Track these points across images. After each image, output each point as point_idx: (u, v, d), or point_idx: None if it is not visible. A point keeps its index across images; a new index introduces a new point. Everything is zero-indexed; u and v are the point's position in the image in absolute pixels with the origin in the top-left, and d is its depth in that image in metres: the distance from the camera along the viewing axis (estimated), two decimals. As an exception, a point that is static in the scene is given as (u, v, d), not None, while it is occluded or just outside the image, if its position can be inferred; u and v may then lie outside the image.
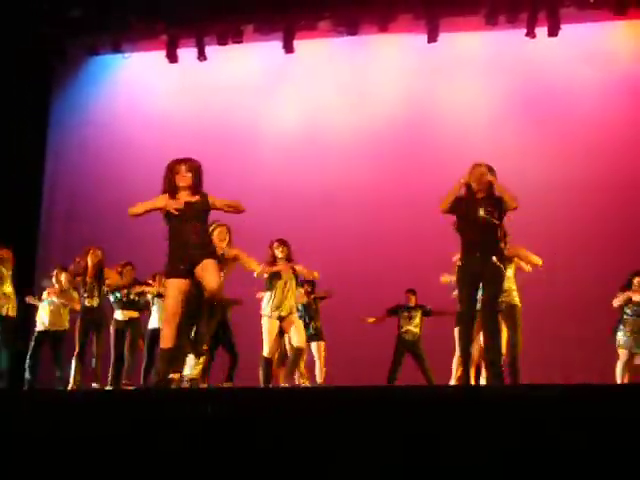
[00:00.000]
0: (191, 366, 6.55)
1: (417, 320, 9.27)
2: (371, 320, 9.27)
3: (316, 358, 8.97)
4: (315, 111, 11.50)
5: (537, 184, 10.34)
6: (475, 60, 11.09)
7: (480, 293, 6.00)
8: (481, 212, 6.06)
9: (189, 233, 5.43)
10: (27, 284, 8.61)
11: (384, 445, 3.67)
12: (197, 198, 5.56)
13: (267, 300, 7.45)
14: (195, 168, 5.70)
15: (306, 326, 8.64)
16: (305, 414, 4.00)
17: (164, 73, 11.86)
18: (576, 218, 10.10)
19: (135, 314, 8.84)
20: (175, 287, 5.37)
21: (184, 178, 5.58)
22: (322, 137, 11.28)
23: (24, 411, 4.32)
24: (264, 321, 7.45)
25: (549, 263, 8.40)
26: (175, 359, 5.66)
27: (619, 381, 7.82)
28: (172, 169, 5.64)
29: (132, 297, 8.81)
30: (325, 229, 10.65)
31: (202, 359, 6.65)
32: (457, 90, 11.09)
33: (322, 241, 10.39)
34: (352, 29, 11.00)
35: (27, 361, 8.63)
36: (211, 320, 6.32)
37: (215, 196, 5.71)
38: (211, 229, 6.83)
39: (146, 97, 12.00)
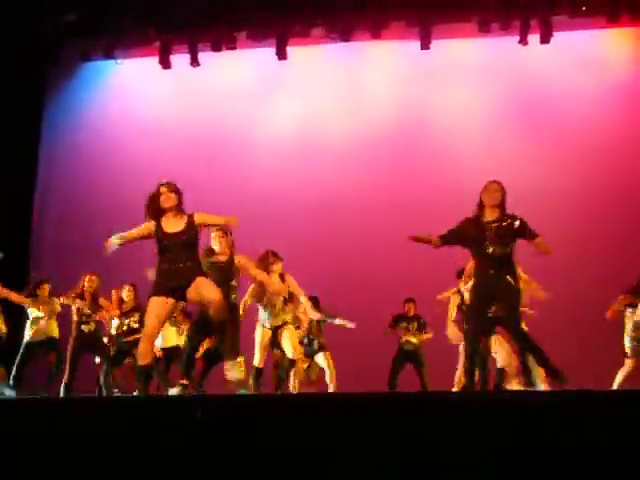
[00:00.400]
0: (235, 370, 6.53)
1: (415, 330, 9.19)
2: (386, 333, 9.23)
3: (326, 367, 8.80)
4: (309, 117, 11.50)
5: (531, 189, 10.35)
6: (468, 67, 11.13)
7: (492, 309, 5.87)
8: (491, 249, 5.75)
9: (179, 260, 5.37)
10: (20, 288, 8.53)
11: (379, 450, 3.66)
12: (184, 226, 5.50)
13: (262, 310, 7.44)
14: (177, 189, 5.71)
15: (310, 342, 8.73)
16: (294, 421, 3.99)
17: (157, 79, 11.85)
18: (571, 223, 10.12)
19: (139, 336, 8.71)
20: (158, 305, 5.31)
21: (169, 199, 5.56)
22: (316, 143, 11.29)
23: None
24: (258, 330, 7.44)
25: (545, 267, 8.44)
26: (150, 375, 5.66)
27: (615, 387, 7.75)
28: (154, 194, 5.64)
29: (132, 326, 8.69)
30: (320, 234, 10.64)
31: (242, 359, 6.67)
32: (450, 96, 11.12)
33: (317, 246, 10.39)
34: (345, 36, 11.02)
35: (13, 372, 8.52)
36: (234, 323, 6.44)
37: (203, 213, 5.72)
38: (215, 236, 6.81)
39: (139, 103, 11.99)
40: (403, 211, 10.62)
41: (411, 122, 11.14)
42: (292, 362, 7.77)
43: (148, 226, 5.57)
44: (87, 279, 8.34)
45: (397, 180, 10.87)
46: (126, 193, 11.44)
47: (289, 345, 7.46)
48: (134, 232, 5.70)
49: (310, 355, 8.79)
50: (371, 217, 10.68)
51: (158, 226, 5.51)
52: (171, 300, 5.35)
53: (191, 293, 5.32)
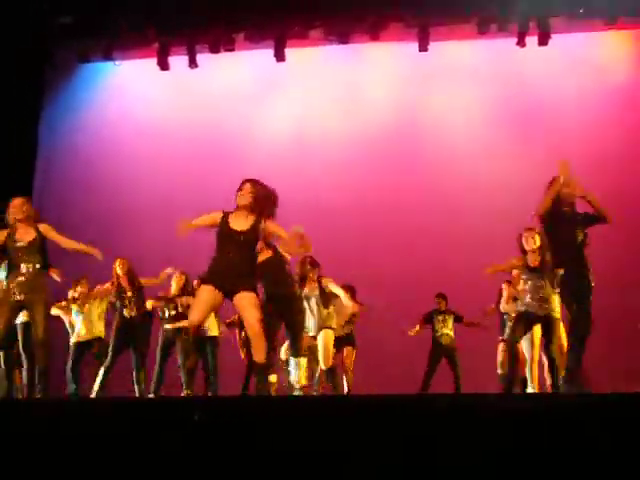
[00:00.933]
0: (297, 373, 6.59)
1: (451, 324, 9.27)
2: (413, 332, 9.19)
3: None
4: (307, 119, 11.51)
5: (528, 191, 10.33)
6: (466, 68, 11.15)
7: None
8: (580, 236, 6.06)
9: (234, 258, 5.42)
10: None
11: (381, 453, 3.66)
12: (249, 225, 5.55)
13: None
14: (258, 191, 5.77)
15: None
16: (296, 423, 3.99)
17: (155, 80, 11.86)
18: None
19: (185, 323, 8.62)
20: (208, 293, 5.31)
21: (243, 197, 5.68)
22: (314, 145, 11.29)
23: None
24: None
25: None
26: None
27: None
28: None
29: (180, 310, 8.64)
30: (318, 236, 10.55)
31: (304, 362, 6.73)
32: (448, 98, 11.14)
33: (315, 247, 10.35)
34: (343, 38, 11.02)
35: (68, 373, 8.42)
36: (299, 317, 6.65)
37: (274, 223, 5.82)
38: None
39: (137, 104, 11.99)
40: (401, 212, 10.65)
41: (409, 124, 11.15)
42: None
43: (214, 216, 5.67)
44: (117, 263, 8.26)
45: (395, 181, 10.87)
46: (124, 195, 11.47)
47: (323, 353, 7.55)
48: (202, 219, 5.80)
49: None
50: (369, 218, 10.68)
51: (224, 219, 5.57)
52: (219, 294, 5.33)
53: (235, 302, 5.31)
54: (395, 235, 10.54)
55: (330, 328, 7.64)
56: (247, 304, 5.25)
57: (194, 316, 5.29)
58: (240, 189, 5.71)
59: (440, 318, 9.28)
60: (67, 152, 11.88)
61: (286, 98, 11.68)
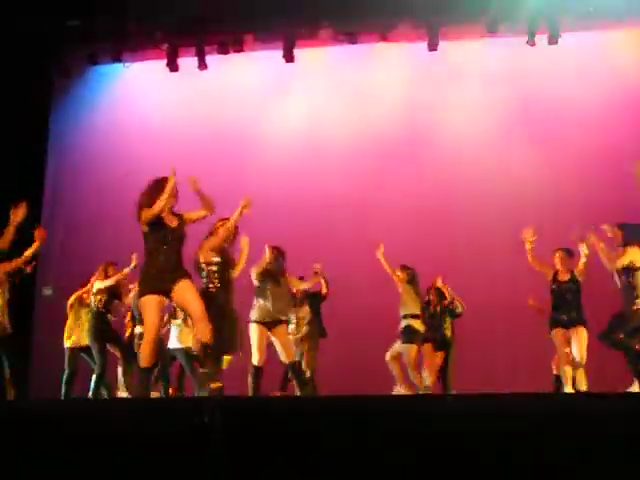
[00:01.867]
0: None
1: (448, 322, 9.17)
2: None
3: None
4: (316, 119, 11.50)
5: (538, 192, 10.35)
6: (476, 68, 11.11)
7: None
8: None
9: (169, 255, 5.64)
10: (28, 295, 8.55)
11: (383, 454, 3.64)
12: (177, 222, 5.85)
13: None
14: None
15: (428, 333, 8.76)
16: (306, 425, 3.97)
17: (164, 82, 11.86)
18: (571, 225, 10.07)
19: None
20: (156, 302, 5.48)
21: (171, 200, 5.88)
22: (324, 145, 11.28)
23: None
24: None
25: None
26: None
27: None
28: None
29: None
30: (327, 235, 10.64)
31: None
32: (458, 98, 11.11)
33: (324, 247, 10.36)
34: (352, 38, 11.00)
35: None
36: None
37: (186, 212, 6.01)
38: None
39: (146, 106, 12.01)
40: (410, 212, 10.63)
41: (418, 124, 11.11)
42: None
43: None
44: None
45: (404, 181, 10.86)
46: (135, 196, 11.46)
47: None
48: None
49: None
50: (379, 219, 10.66)
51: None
52: (162, 298, 5.58)
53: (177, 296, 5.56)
54: (404, 234, 10.51)
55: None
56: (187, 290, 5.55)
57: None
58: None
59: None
60: (77, 154, 11.90)
61: (295, 99, 11.68)
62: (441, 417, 3.90)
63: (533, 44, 10.48)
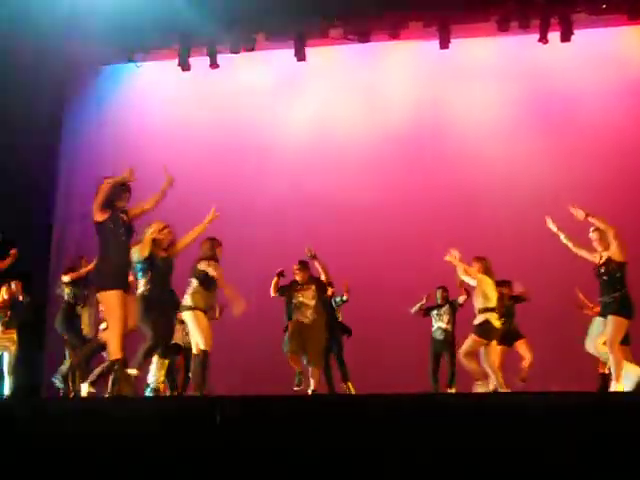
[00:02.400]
0: (157, 373, 6.63)
1: (447, 317, 9.12)
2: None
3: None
4: (328, 118, 11.50)
5: (550, 188, 10.31)
6: (487, 66, 11.08)
7: None
8: None
9: (124, 250, 5.91)
10: (39, 289, 8.61)
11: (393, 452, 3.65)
12: (127, 218, 6.06)
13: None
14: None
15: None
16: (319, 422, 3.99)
17: (176, 81, 11.89)
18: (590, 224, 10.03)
19: None
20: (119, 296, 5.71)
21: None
22: (335, 144, 11.28)
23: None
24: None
25: (563, 268, 8.39)
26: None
27: None
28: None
29: None
30: (338, 236, 10.63)
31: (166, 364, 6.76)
32: (470, 96, 11.08)
33: (334, 248, 10.35)
34: (363, 37, 10.99)
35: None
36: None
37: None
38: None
39: (159, 105, 12.04)
40: (422, 212, 10.62)
41: (430, 122, 11.10)
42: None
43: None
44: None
45: (416, 180, 10.85)
46: (145, 195, 11.50)
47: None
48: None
49: None
50: (390, 217, 10.66)
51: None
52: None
53: None
54: (416, 234, 10.51)
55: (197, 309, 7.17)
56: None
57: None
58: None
59: (435, 312, 9.21)
60: (90, 153, 11.95)
61: (307, 97, 11.69)
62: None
63: (546, 42, 10.43)
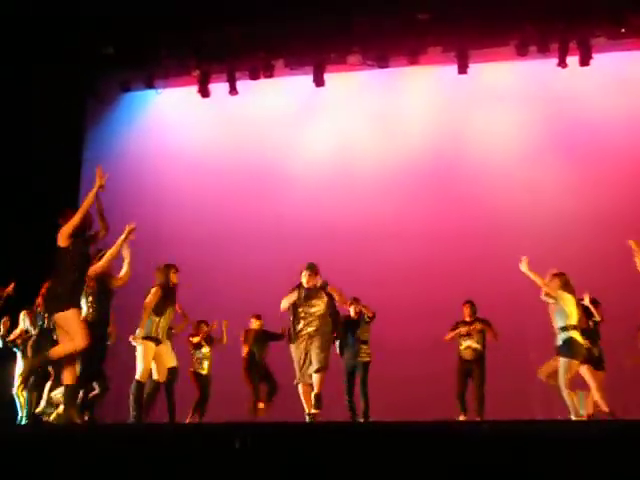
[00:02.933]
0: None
1: (477, 336, 8.73)
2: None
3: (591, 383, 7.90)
4: (347, 144, 11.51)
5: (571, 216, 10.24)
6: (506, 90, 11.07)
7: None
8: None
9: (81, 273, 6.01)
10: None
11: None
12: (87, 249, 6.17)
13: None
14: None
15: (588, 350, 7.69)
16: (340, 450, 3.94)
17: (196, 107, 11.98)
18: (614, 250, 9.93)
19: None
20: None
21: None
22: (354, 170, 11.29)
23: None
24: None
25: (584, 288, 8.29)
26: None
27: None
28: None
29: None
30: (358, 261, 10.60)
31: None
32: (489, 120, 11.06)
33: (354, 273, 10.32)
34: (382, 62, 11.04)
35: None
36: None
37: None
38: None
39: (179, 131, 12.12)
40: (441, 237, 10.57)
41: (449, 147, 11.07)
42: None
43: None
44: None
45: (435, 206, 10.81)
46: (167, 222, 11.58)
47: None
48: None
49: None
50: (409, 243, 10.61)
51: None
52: None
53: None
54: (435, 259, 10.46)
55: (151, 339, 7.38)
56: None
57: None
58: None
59: (463, 330, 8.79)
60: (110, 179, 11.97)
61: (326, 123, 11.71)
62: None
63: (565, 66, 10.41)
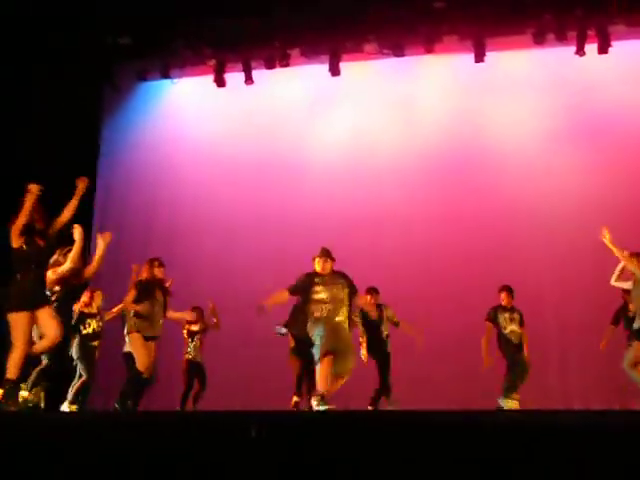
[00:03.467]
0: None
1: (519, 318, 8.63)
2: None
3: None
4: (363, 133, 11.47)
5: (589, 203, 10.17)
6: (523, 79, 10.98)
7: None
8: None
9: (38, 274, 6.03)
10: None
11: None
12: (45, 242, 6.12)
13: None
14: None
15: None
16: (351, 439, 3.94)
17: (212, 97, 11.99)
18: (631, 238, 9.88)
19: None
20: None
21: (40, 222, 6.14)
22: (370, 158, 11.25)
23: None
24: None
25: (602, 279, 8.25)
26: None
27: None
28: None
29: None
30: (374, 250, 10.60)
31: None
32: (506, 109, 10.99)
33: (371, 259, 10.33)
34: (398, 51, 10.98)
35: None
36: None
37: None
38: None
39: (194, 121, 12.14)
40: (459, 226, 10.53)
41: (466, 136, 11.00)
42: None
43: None
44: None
45: (451, 195, 10.76)
46: (182, 211, 11.61)
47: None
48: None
49: None
50: (427, 232, 10.59)
51: None
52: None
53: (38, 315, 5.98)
54: (453, 247, 10.43)
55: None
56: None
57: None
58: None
59: (507, 315, 8.64)
60: (127, 168, 12.08)
61: (342, 112, 11.67)
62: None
63: (583, 54, 10.32)
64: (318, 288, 6.76)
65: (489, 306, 8.82)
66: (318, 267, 6.89)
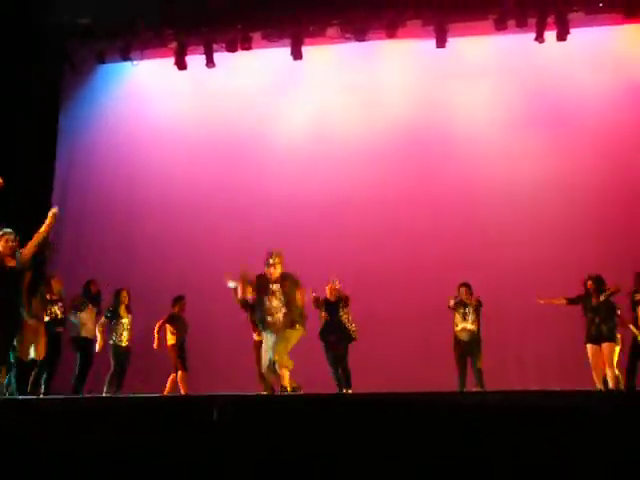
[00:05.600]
0: None
1: (473, 317, 8.51)
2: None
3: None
4: (324, 117, 11.48)
5: (545, 187, 10.35)
6: (484, 64, 11.07)
7: None
8: None
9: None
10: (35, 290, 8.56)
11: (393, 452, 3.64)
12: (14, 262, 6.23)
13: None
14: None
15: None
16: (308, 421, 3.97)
17: (173, 80, 11.88)
18: (587, 220, 10.07)
19: None
20: None
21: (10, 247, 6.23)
22: (331, 142, 11.26)
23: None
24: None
25: (563, 262, 8.36)
26: None
27: None
28: None
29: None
30: (335, 232, 10.63)
31: None
32: (466, 94, 11.08)
33: (336, 244, 10.37)
34: (360, 35, 10.98)
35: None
36: None
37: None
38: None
39: (155, 104, 12.03)
40: (419, 208, 10.62)
41: (426, 120, 11.08)
42: None
43: None
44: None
45: (412, 177, 10.84)
46: (142, 192, 11.53)
47: None
48: None
49: None
50: (388, 215, 10.66)
51: None
52: None
53: None
54: (414, 230, 10.51)
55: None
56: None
57: None
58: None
59: (461, 311, 8.56)
60: (86, 150, 11.93)
61: (303, 96, 11.66)
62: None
63: (542, 41, 10.43)
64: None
65: (449, 283, 8.94)
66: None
